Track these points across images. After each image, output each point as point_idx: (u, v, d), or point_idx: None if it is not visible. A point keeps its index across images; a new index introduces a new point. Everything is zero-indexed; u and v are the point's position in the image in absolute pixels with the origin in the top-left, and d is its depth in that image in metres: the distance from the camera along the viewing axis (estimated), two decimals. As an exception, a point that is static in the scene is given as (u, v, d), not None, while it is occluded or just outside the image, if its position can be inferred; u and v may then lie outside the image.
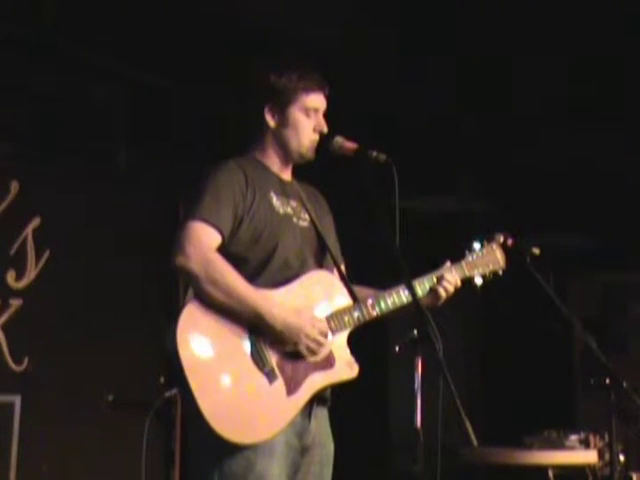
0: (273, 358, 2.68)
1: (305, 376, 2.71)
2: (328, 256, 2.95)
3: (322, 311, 2.80)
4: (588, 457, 5.10)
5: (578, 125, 5.58)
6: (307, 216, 2.95)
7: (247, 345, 2.67)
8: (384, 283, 2.91)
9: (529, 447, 5.29)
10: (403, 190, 2.76)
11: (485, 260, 3.06)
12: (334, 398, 2.90)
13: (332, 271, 2.95)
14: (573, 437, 5.22)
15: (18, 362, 4.42)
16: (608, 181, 6.43)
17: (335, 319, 2.80)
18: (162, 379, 4.57)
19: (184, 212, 2.82)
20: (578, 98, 5.23)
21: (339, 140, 2.90)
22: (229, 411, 2.59)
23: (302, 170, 3.03)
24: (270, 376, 2.66)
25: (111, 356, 4.70)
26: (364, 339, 2.96)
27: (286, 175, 2.99)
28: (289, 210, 2.90)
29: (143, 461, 3.99)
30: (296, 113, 2.89)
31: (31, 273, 4.51)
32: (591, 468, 5.04)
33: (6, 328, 4.38)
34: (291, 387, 2.68)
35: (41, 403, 4.44)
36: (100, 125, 4.86)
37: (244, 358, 2.65)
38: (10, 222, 4.45)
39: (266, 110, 2.90)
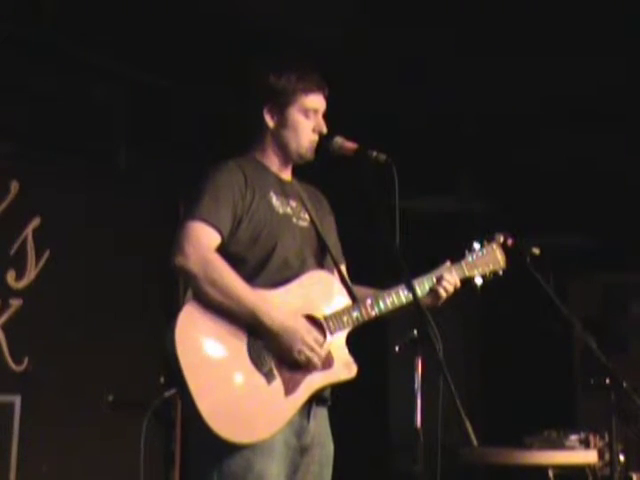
0: (271, 358, 2.68)
1: (303, 376, 2.71)
2: (328, 256, 2.95)
3: (321, 311, 2.79)
4: (588, 457, 5.11)
5: (578, 125, 5.58)
6: (307, 216, 2.94)
7: (245, 345, 2.67)
8: (384, 283, 2.91)
9: (529, 447, 5.29)
10: (403, 190, 2.76)
11: (485, 260, 3.06)
12: (334, 398, 2.91)
13: (332, 271, 2.95)
14: (573, 437, 5.23)
15: (18, 362, 4.42)
16: (608, 181, 6.43)
17: (334, 319, 2.79)
18: (162, 379, 4.56)
19: (184, 212, 2.82)
20: (578, 98, 5.24)
21: (339, 140, 2.90)
22: (227, 411, 2.59)
23: (302, 170, 3.03)
24: (268, 376, 2.66)
25: (111, 356, 4.70)
26: (364, 339, 2.96)
27: (286, 175, 2.99)
28: (289, 210, 2.90)
29: (141, 461, 3.99)
30: (295, 114, 2.89)
31: (31, 273, 4.51)
32: (591, 468, 5.04)
33: (6, 328, 4.38)
34: (289, 387, 2.68)
35: (41, 403, 4.44)
36: (100, 125, 4.86)
37: (243, 358, 2.65)
38: (10, 222, 4.44)
39: (265, 111, 2.90)
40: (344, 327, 2.81)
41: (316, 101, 2.91)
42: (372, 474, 6.77)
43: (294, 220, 2.90)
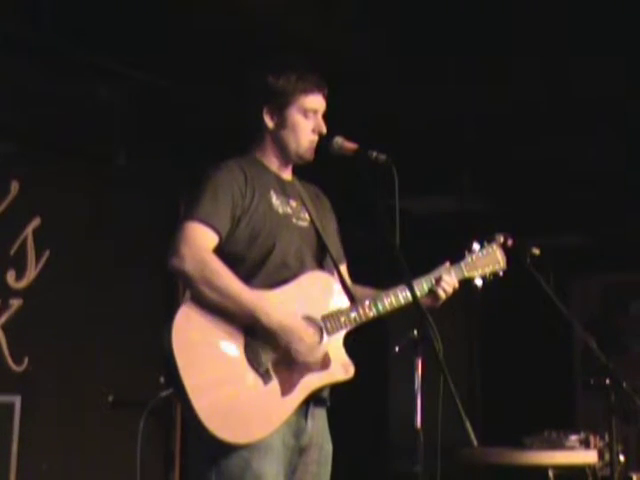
0: (268, 359, 2.68)
1: (300, 377, 2.71)
2: (328, 256, 2.95)
3: (318, 312, 2.79)
4: (588, 457, 5.11)
5: (578, 125, 5.58)
6: (307, 216, 2.94)
7: (242, 346, 2.67)
8: (384, 283, 2.91)
9: (529, 447, 5.29)
10: (403, 190, 2.76)
11: (485, 261, 3.05)
12: (334, 398, 2.90)
13: (332, 272, 2.94)
14: (573, 437, 5.23)
15: (18, 362, 4.41)
16: (608, 181, 6.43)
17: (331, 320, 2.79)
18: (162, 379, 4.56)
19: (183, 212, 2.82)
20: (578, 98, 5.24)
21: (339, 140, 2.90)
22: (224, 412, 2.59)
23: (302, 170, 3.03)
24: (265, 377, 2.66)
25: (111, 356, 4.70)
26: (364, 339, 2.96)
27: (286, 175, 2.99)
28: (288, 210, 2.89)
29: (137, 460, 3.99)
30: (294, 115, 2.88)
31: (31, 273, 4.51)
32: (591, 468, 5.04)
33: (6, 328, 4.38)
34: (286, 388, 2.68)
35: (41, 403, 4.44)
36: (100, 125, 4.86)
37: (239, 359, 2.65)
38: (10, 222, 4.44)
39: (265, 111, 2.90)
40: (342, 328, 2.80)
41: (315, 101, 2.90)
42: (372, 474, 6.78)
43: (294, 220, 2.89)
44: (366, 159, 2.83)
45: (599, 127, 5.63)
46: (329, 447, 2.88)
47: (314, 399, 2.77)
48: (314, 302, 2.80)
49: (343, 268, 3.05)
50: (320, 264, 2.92)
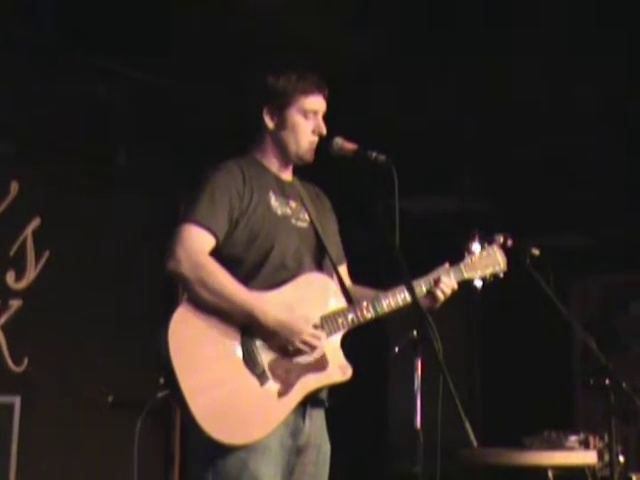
0: (265, 360, 2.68)
1: (297, 378, 2.70)
2: (327, 257, 2.94)
3: (316, 313, 2.78)
4: (588, 458, 5.10)
5: (578, 125, 5.58)
6: (307, 217, 2.93)
7: (239, 347, 2.67)
8: (384, 283, 2.91)
9: (529, 448, 5.29)
10: (403, 190, 2.75)
11: (485, 262, 3.04)
12: (334, 398, 2.90)
13: (331, 273, 2.94)
14: (573, 438, 5.22)
15: (18, 363, 4.41)
16: (608, 181, 6.43)
17: (329, 321, 2.78)
18: (162, 380, 4.56)
19: (182, 213, 2.81)
20: (578, 98, 5.23)
21: (339, 141, 2.89)
22: (220, 413, 2.59)
23: (302, 170, 3.03)
24: (262, 378, 2.65)
25: (111, 356, 4.70)
26: (364, 339, 2.96)
27: (286, 175, 2.98)
28: (288, 211, 2.89)
29: (135, 461, 4.00)
30: (294, 115, 2.88)
31: (31, 273, 4.51)
32: (591, 469, 5.04)
33: (6, 328, 4.38)
34: (283, 389, 2.67)
35: (41, 404, 4.44)
36: (100, 125, 4.86)
37: (236, 360, 2.65)
38: (10, 222, 4.44)
39: (265, 111, 2.89)
40: (339, 329, 2.80)
41: (316, 102, 2.89)
42: (372, 474, 6.78)
43: (293, 221, 2.89)
44: (366, 159, 2.83)
45: (599, 127, 5.62)
46: (327, 448, 2.88)
47: (312, 400, 2.77)
48: (312, 303, 2.79)
49: (343, 268, 3.04)
50: (319, 265, 2.91)
